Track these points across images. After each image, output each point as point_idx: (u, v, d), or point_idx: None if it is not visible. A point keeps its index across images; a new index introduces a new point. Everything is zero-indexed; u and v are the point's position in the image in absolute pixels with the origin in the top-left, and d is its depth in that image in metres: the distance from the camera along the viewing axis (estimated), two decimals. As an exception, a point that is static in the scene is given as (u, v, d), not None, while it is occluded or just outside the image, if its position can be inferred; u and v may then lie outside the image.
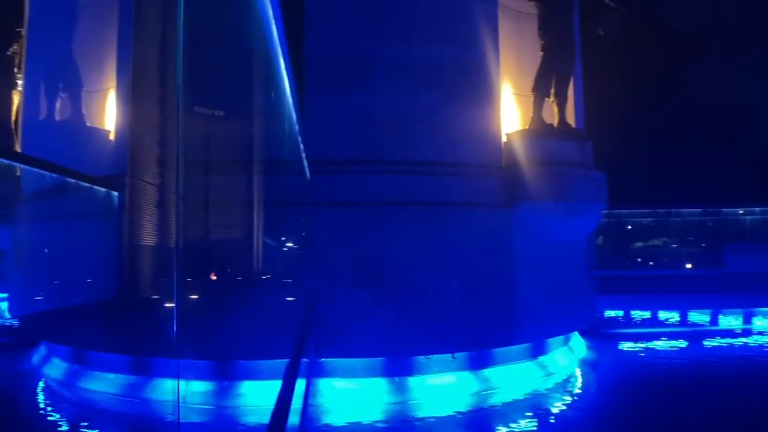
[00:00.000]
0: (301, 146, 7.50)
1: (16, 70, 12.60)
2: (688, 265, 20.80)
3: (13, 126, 12.53)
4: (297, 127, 7.21)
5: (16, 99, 12.60)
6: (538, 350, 9.46)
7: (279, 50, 5.80)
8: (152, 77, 9.59)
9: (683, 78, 25.19)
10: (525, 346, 9.15)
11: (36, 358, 10.37)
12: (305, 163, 7.73)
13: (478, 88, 8.70)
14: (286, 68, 6.04)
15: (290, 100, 6.92)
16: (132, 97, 9.15)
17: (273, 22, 5.38)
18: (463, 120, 8.51)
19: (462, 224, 8.28)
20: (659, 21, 23.81)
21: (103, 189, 8.88)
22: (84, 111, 9.84)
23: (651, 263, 22.02)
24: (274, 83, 6.91)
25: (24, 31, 12.09)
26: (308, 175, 7.96)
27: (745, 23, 24.56)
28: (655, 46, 22.66)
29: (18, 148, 11.98)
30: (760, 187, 22.25)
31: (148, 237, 9.92)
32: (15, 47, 12.54)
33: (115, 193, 9.11)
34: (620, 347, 12.66)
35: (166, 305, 9.73)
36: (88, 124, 9.72)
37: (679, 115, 22.97)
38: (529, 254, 8.79)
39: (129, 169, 9.25)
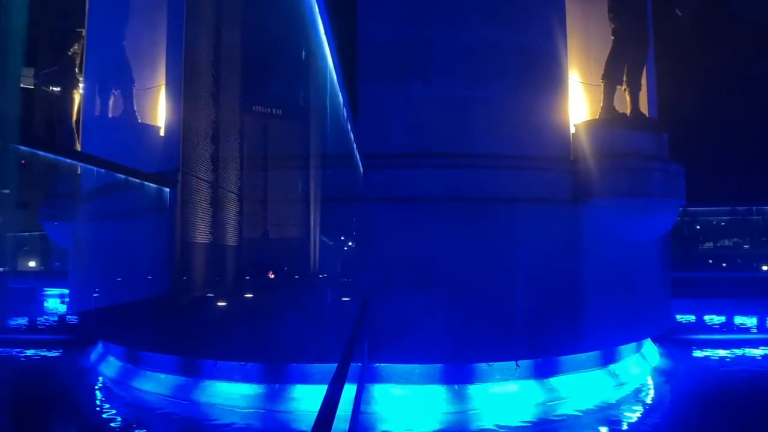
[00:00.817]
0: (353, 139, 6.95)
1: (77, 70, 12.58)
2: (765, 267, 19.37)
3: (74, 125, 12.51)
4: (348, 119, 6.68)
5: (77, 98, 12.58)
6: (608, 358, 8.63)
7: (323, 35, 5.25)
8: (203, 73, 9.27)
9: (762, 70, 23.51)
10: (595, 353, 8.35)
11: (94, 356, 10.22)
12: (358, 156, 7.18)
13: (544, 75, 7.95)
14: (334, 55, 5.48)
15: (339, 90, 6.39)
16: (184, 93, 8.84)
17: (316, 6, 4.85)
18: (529, 109, 7.79)
19: (527, 222, 7.56)
20: (732, 13, 22.24)
21: (154, 186, 8.59)
22: (137, 108, 9.61)
23: (724, 265, 20.61)
24: (322, 73, 6.39)
25: (84, 32, 12.04)
26: (361, 170, 7.41)
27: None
28: (729, 36, 21.16)
29: (78, 147, 11.95)
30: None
31: (201, 234, 9.58)
32: (76, 47, 12.51)
33: (167, 190, 8.80)
34: (695, 355, 11.65)
35: (219, 304, 9.36)
36: (141, 122, 9.49)
37: (756, 108, 21.37)
38: (600, 254, 7.99)
39: (181, 165, 8.94)
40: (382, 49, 7.54)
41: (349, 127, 6.44)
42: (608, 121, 8.28)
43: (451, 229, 7.39)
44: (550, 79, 8.01)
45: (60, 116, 12.69)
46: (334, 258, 8.10)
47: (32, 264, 22.50)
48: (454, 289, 7.31)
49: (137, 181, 8.09)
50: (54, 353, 11.36)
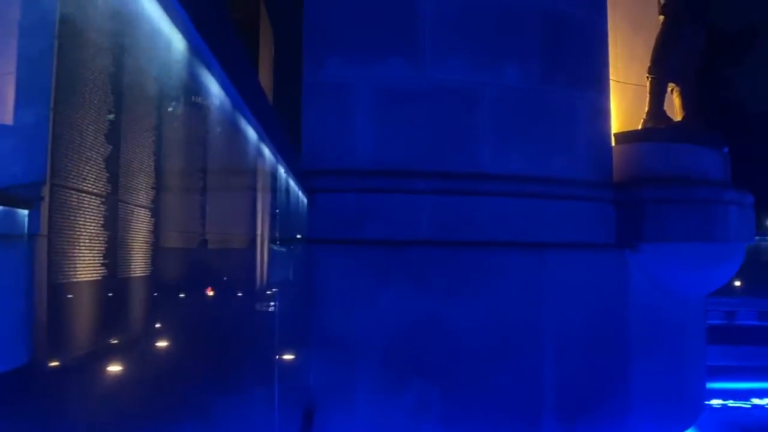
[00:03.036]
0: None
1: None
2: None
3: None
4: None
5: None
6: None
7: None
8: (84, 44, 6.05)
9: (727, 79, 21.71)
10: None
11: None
12: (292, 175, 4.13)
13: (581, 61, 5.10)
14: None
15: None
16: (56, 71, 5.65)
17: None
18: (560, 108, 4.91)
19: (559, 279, 4.67)
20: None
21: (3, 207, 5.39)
22: None
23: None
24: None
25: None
26: (304, 196, 4.40)
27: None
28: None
29: None
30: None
31: (85, 269, 6.15)
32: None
33: (24, 212, 5.66)
34: (714, 405, 9.35)
35: (108, 370, 6.02)
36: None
37: (722, 116, 19.43)
38: (650, 320, 5.18)
39: (48, 175, 5.69)
40: (342, 9, 4.55)
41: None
42: (661, 131, 5.48)
43: (443, 291, 4.45)
44: (588, 66, 5.15)
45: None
46: (249, 335, 5.06)
47: None
48: (453, 383, 4.38)
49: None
50: None
